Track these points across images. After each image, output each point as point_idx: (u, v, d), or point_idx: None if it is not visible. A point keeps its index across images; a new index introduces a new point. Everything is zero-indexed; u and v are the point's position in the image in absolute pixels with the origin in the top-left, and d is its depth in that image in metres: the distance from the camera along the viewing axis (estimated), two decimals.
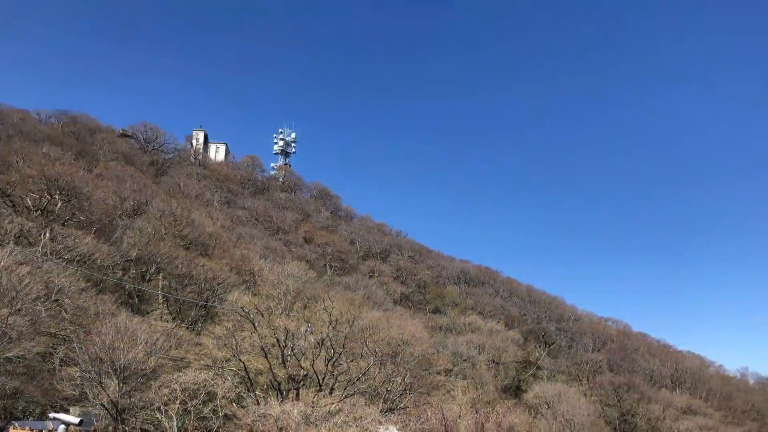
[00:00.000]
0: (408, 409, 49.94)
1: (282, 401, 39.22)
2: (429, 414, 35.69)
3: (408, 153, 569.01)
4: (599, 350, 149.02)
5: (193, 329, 66.47)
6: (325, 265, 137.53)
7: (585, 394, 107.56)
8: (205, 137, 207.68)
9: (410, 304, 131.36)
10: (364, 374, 49.59)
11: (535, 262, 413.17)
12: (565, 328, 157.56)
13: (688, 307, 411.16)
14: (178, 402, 40.40)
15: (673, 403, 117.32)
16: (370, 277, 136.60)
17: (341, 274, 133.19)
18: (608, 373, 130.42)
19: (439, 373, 76.40)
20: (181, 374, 43.21)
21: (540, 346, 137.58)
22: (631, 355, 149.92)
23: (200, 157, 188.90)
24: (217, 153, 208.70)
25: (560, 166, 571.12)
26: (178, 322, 67.46)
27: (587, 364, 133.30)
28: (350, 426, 32.88)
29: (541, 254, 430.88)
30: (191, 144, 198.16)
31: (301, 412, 34.14)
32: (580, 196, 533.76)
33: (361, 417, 35.79)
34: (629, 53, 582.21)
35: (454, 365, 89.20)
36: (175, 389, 40.76)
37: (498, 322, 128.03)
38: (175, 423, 39.90)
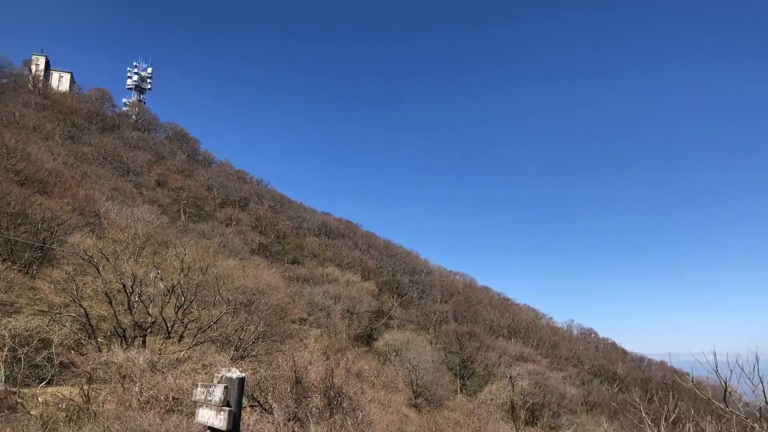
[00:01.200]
0: (260, 356, 50.04)
1: (127, 348, 37.49)
2: (280, 361, 35.95)
3: (273, 99, 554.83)
4: (446, 301, 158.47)
5: (27, 272, 61.18)
6: (178, 210, 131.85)
7: (431, 342, 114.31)
8: (47, 64, 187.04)
9: (268, 254, 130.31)
10: (216, 322, 48.75)
11: (392, 217, 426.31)
12: (417, 280, 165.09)
13: (525, 263, 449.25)
14: (6, 349, 37.25)
15: (508, 350, 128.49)
16: (228, 225, 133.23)
17: (196, 220, 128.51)
18: (453, 323, 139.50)
19: (293, 322, 77.19)
20: (10, 320, 39.80)
21: (393, 297, 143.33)
22: (475, 306, 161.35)
23: (40, 85, 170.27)
24: (61, 82, 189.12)
25: (419, 128, 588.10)
26: (9, 264, 61.72)
27: (435, 314, 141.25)
28: (199, 373, 32.28)
29: (398, 208, 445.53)
30: (29, 70, 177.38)
31: (147, 359, 32.86)
32: (440, 158, 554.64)
33: (211, 364, 35.23)
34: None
35: (310, 314, 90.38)
36: (3, 335, 37.52)
37: (355, 273, 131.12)
38: (2, 371, 36.85)
